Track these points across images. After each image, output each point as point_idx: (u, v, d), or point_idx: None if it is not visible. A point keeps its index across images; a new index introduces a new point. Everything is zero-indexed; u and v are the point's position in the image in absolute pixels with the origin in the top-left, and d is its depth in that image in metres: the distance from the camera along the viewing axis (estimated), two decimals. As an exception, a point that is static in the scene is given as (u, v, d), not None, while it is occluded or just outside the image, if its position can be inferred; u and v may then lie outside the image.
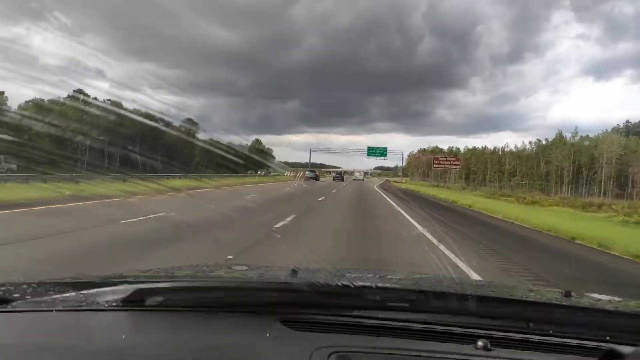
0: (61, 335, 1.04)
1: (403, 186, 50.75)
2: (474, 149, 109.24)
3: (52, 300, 1.15)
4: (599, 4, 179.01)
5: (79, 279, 1.32)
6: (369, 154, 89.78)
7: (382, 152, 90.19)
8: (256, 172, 54.52)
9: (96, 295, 1.17)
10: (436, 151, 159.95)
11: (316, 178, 58.37)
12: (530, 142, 74.87)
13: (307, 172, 63.32)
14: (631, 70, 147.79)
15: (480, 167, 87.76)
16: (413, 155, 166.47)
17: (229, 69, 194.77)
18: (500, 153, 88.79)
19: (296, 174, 69.93)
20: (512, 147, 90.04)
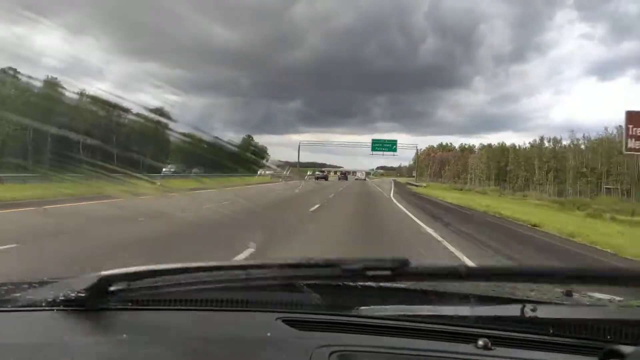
0: (62, 334, 1.05)
1: (439, 196, 30.84)
2: (490, 145, 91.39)
3: (53, 300, 1.13)
4: (604, 2, 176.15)
5: (80, 279, 1.33)
6: (373, 149, 71.26)
7: (390, 146, 71.42)
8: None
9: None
10: (447, 148, 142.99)
11: (325, 178, 60.85)
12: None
13: (317, 172, 67.81)
14: (635, 69, 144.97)
15: (521, 166, 68.32)
16: (422, 152, 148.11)
17: (231, 69, 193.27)
18: (554, 147, 68.70)
19: (271, 174, 52.49)
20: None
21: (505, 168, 74.00)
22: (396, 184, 60.91)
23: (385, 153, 71.56)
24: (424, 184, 49.46)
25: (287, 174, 72.21)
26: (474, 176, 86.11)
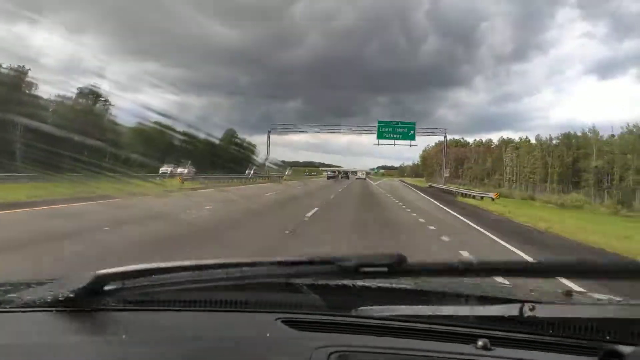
0: (61, 335, 1.05)
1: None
2: (508, 140, 68.08)
3: (51, 300, 1.12)
4: (605, 0, 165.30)
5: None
6: (380, 136, 47.39)
7: (405, 131, 47.46)
8: None
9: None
10: (460, 144, 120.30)
11: (335, 177, 64.39)
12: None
13: (328, 173, 73.17)
14: (636, 69, 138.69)
15: (619, 163, 43.98)
16: (431, 148, 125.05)
17: (230, 68, 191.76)
18: None
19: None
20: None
21: (574, 165, 50.10)
22: (420, 190, 37.20)
23: (398, 142, 47.65)
24: (492, 194, 24.99)
25: (251, 172, 48.46)
26: (518, 177, 62.11)
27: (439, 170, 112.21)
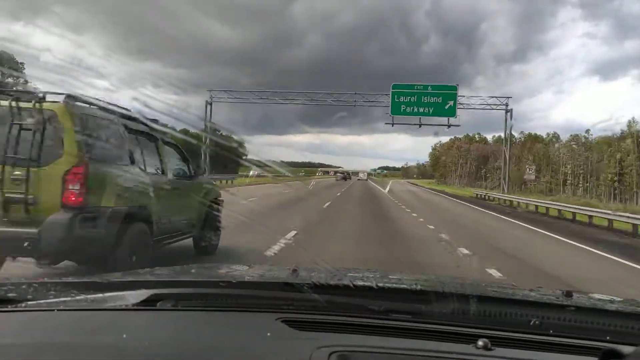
0: (62, 335, 1.06)
1: None
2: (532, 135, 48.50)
3: (52, 300, 1.16)
4: (607, 0, 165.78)
5: (80, 279, 1.34)
6: (395, 110, 28.21)
7: (441, 102, 28.25)
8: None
9: (96, 295, 1.19)
10: (475, 141, 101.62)
11: (345, 178, 66.43)
12: None
13: (337, 174, 74.50)
14: (637, 70, 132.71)
15: None
16: (443, 145, 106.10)
17: (231, 68, 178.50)
18: None
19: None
20: None
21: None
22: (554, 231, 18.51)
23: (426, 120, 28.64)
24: None
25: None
26: (586, 181, 42.88)
27: (456, 171, 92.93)
